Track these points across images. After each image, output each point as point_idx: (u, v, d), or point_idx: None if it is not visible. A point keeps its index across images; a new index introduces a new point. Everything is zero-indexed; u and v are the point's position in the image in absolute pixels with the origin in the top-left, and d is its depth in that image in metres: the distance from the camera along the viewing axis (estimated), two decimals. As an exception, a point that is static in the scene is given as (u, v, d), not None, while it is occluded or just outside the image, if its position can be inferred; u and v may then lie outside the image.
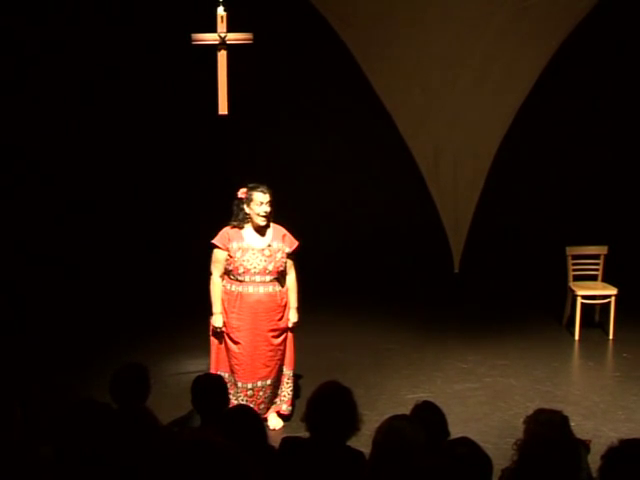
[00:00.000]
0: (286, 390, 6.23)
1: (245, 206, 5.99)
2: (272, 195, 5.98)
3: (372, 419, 5.63)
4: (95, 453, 3.22)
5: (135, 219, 10.04)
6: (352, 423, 3.80)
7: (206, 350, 6.57)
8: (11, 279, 8.94)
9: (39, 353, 7.57)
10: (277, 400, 6.24)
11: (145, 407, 4.53)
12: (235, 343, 6.04)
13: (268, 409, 6.20)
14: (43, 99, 9.49)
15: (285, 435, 4.59)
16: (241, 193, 6.02)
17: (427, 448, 3.45)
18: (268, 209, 5.95)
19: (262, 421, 3.97)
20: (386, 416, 3.73)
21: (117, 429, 3.51)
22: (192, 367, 7.19)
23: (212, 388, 4.62)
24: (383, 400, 6.66)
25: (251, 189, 5.97)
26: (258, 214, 5.94)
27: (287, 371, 6.22)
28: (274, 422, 6.18)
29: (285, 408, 6.21)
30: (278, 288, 6.06)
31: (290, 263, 6.15)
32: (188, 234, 9.35)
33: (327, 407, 3.77)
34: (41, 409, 5.50)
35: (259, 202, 5.93)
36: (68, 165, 9.79)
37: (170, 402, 5.93)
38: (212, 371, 6.05)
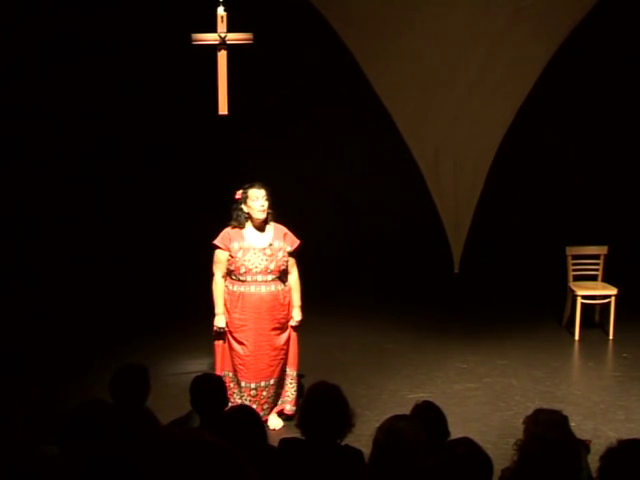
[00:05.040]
0: (290, 390, 6.23)
1: (243, 205, 6.05)
2: (268, 191, 6.05)
3: (372, 419, 5.65)
4: (100, 453, 3.22)
5: (136, 219, 10.04)
6: (346, 420, 3.80)
7: (206, 350, 6.58)
8: (11, 279, 8.94)
9: (40, 353, 7.57)
10: (281, 400, 6.25)
11: (145, 407, 4.53)
12: (238, 343, 6.05)
13: (272, 410, 6.21)
14: (43, 99, 9.49)
15: (285, 435, 4.60)
16: (237, 194, 6.11)
17: (427, 448, 3.45)
18: (265, 203, 6.02)
19: (262, 421, 3.97)
20: (386, 416, 3.73)
21: (118, 429, 3.51)
22: (192, 367, 7.19)
23: (211, 388, 4.61)
24: (383, 400, 6.66)
25: (246, 188, 6.07)
26: (255, 209, 6.01)
27: (291, 371, 6.23)
28: (274, 422, 6.18)
29: (289, 408, 6.22)
30: (280, 287, 6.08)
31: (292, 262, 6.17)
32: (189, 234, 9.36)
33: (319, 408, 3.77)
34: (42, 409, 5.51)
35: (255, 197, 6.01)
36: (67, 165, 9.79)
37: (170, 402, 5.93)
38: (218, 371, 6.06)
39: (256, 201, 6.00)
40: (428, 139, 7.55)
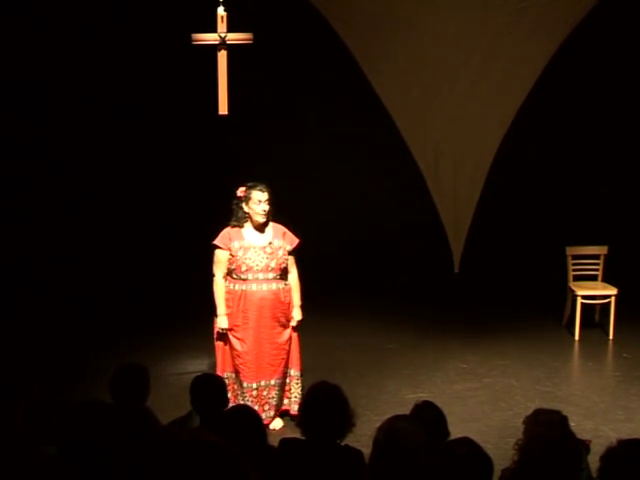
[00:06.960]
0: (296, 391, 6.21)
1: (244, 205, 6.02)
2: (270, 194, 6.01)
3: (372, 419, 5.65)
4: (100, 454, 3.22)
5: (136, 219, 10.04)
6: (346, 420, 3.79)
7: (206, 350, 6.57)
8: (11, 279, 8.94)
9: (40, 353, 7.56)
10: (286, 401, 6.24)
11: (145, 407, 4.53)
12: (239, 340, 6.04)
13: (276, 413, 6.18)
14: (44, 99, 9.49)
15: (285, 435, 4.60)
16: (240, 192, 6.05)
17: (427, 448, 3.45)
18: (267, 207, 5.98)
19: (261, 421, 3.96)
20: (386, 416, 3.73)
21: (118, 429, 3.50)
22: (192, 367, 7.19)
23: (211, 388, 4.61)
24: (383, 400, 6.66)
25: (250, 188, 6.01)
26: (257, 212, 5.97)
27: (295, 372, 6.22)
28: (274, 422, 6.18)
29: (297, 409, 6.19)
30: (281, 285, 6.08)
31: (291, 261, 6.17)
32: (188, 234, 9.35)
33: (319, 408, 3.77)
34: (42, 409, 5.50)
35: (257, 200, 5.97)
36: (67, 165, 9.79)
37: (170, 402, 5.93)
38: (219, 372, 6.05)
39: (258, 205, 5.96)
40: (428, 139, 7.54)
